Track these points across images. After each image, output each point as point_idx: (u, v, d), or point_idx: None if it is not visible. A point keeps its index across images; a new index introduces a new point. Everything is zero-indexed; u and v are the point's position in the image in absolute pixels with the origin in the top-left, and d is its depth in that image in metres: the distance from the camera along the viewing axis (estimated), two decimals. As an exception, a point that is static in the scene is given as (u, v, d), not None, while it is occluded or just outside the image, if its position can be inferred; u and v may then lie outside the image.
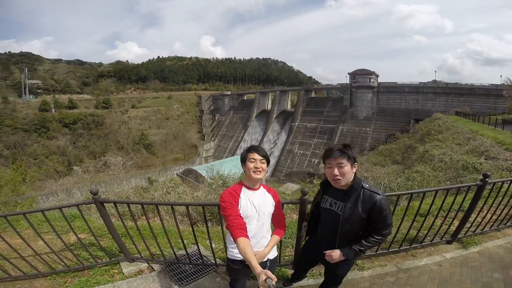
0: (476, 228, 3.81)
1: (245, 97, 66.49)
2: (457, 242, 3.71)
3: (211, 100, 70.16)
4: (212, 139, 60.73)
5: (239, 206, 1.90)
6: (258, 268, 1.51)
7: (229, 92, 71.68)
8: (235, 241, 1.75)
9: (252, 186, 2.01)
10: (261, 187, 2.09)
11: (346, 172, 1.87)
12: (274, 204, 2.10)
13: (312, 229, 2.42)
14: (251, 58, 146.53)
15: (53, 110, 57.86)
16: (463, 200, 3.43)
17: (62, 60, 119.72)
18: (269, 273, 1.44)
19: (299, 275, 2.87)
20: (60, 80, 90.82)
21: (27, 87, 75.81)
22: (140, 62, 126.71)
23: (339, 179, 1.88)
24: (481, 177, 3.17)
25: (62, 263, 3.02)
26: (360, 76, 39.74)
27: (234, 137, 55.48)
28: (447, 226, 3.65)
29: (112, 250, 3.48)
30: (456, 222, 3.69)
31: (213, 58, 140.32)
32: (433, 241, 3.62)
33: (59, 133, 52.31)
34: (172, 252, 3.17)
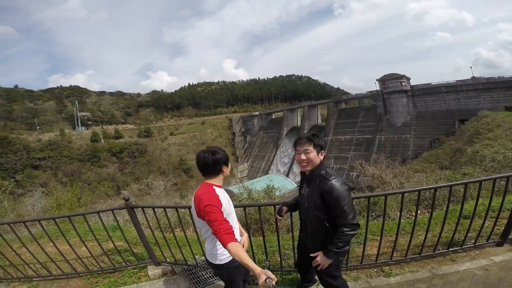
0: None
1: (273, 116, 67.37)
2: (510, 244, 3.21)
3: (241, 122, 72.36)
4: (245, 160, 61.92)
5: (222, 207, 1.86)
6: (257, 269, 1.50)
7: (257, 113, 73.41)
8: (225, 247, 1.69)
9: (221, 184, 2.06)
10: None
11: (312, 158, 2.03)
12: None
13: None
14: (274, 76, 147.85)
15: (102, 140, 65.27)
16: (504, 196, 3.01)
17: (106, 92, 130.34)
18: (269, 273, 1.44)
19: (304, 277, 2.74)
20: (105, 111, 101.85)
21: (79, 119, 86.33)
22: (172, 90, 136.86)
23: (305, 163, 2.05)
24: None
25: (98, 266, 3.43)
26: (390, 81, 37.94)
27: (266, 157, 55.94)
28: (492, 227, 3.20)
29: (143, 255, 3.79)
30: (503, 222, 3.22)
31: (239, 80, 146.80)
32: (476, 244, 3.18)
33: (108, 162, 58.78)
34: (193, 257, 3.40)
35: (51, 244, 3.31)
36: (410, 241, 3.05)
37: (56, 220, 3.22)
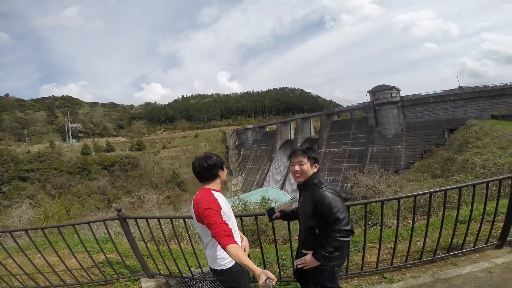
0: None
1: (267, 129, 67.76)
2: (509, 246, 3.22)
3: (235, 135, 72.43)
4: (240, 173, 61.55)
5: (221, 211, 1.87)
6: (257, 269, 1.51)
7: (251, 126, 73.72)
8: (224, 249, 1.69)
9: (219, 188, 2.06)
10: None
11: (305, 170, 2.09)
12: None
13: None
14: (268, 89, 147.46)
15: (93, 153, 63.79)
16: (497, 200, 3.07)
17: (98, 103, 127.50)
18: (269, 273, 1.45)
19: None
20: (97, 123, 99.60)
21: (70, 131, 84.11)
22: (165, 103, 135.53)
23: (299, 174, 2.11)
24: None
25: (88, 278, 3.28)
26: (381, 93, 38.94)
27: (260, 170, 55.75)
28: (489, 230, 3.22)
29: (136, 268, 3.66)
30: (500, 225, 3.25)
31: (233, 93, 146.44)
32: (476, 247, 3.19)
33: (99, 175, 57.25)
34: (188, 269, 3.29)
35: (39, 255, 3.17)
36: (409, 247, 3.05)
37: (44, 230, 3.09)
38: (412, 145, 34.24)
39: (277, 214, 2.46)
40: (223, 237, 1.69)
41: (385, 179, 12.51)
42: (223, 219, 1.82)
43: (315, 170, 2.14)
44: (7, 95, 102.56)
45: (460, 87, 37.78)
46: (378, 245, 3.07)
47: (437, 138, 31.67)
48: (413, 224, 3.02)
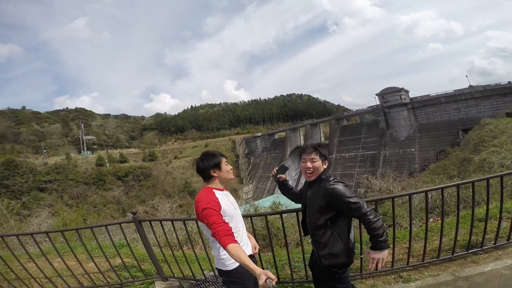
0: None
1: (276, 136, 67.63)
2: (533, 242, 3.08)
3: (244, 144, 72.69)
4: (250, 181, 61.50)
5: (221, 210, 1.86)
6: (258, 269, 1.51)
7: (259, 133, 73.84)
8: (225, 248, 1.68)
9: (223, 187, 2.05)
10: None
11: (317, 167, 2.09)
12: None
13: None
14: (275, 96, 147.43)
15: (107, 164, 65.63)
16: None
17: (110, 115, 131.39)
18: (269, 273, 1.46)
19: None
20: (110, 135, 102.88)
21: (85, 143, 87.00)
22: (175, 113, 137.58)
23: (311, 171, 2.11)
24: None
25: (105, 281, 3.39)
26: (389, 95, 38.40)
27: (270, 178, 55.27)
28: (510, 226, 3.09)
29: (150, 271, 3.73)
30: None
31: (240, 101, 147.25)
32: (497, 244, 3.06)
33: (113, 185, 58.95)
34: (201, 272, 3.36)
35: (58, 259, 3.31)
36: (425, 245, 2.96)
37: (64, 233, 3.22)
38: (425, 147, 33.32)
39: (283, 176, 2.51)
40: (223, 237, 1.69)
41: (399, 182, 12.21)
42: (223, 218, 1.81)
43: (325, 166, 2.16)
44: (23, 107, 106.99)
45: (470, 86, 36.72)
46: (392, 245, 3.01)
47: (451, 139, 30.77)
48: (426, 220, 2.96)
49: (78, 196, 53.28)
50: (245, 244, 2.06)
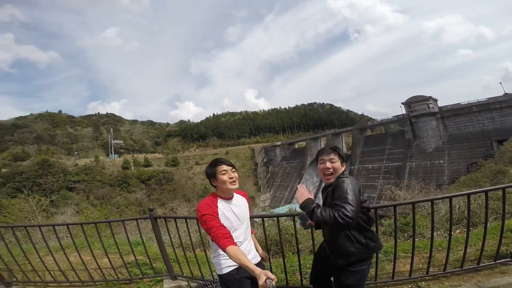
0: None
1: (296, 146, 66.93)
2: None
3: (264, 152, 72.76)
4: (268, 190, 61.07)
5: (218, 216, 1.87)
6: (257, 270, 1.51)
7: (279, 143, 73.54)
8: (224, 250, 1.70)
9: (228, 196, 2.02)
10: (234, 193, 2.08)
11: (337, 167, 2.06)
12: (247, 205, 2.16)
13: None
14: (296, 105, 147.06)
15: (132, 168, 68.64)
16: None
17: (138, 121, 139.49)
18: (269, 273, 1.46)
19: None
20: (137, 140, 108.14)
21: (113, 147, 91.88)
22: (198, 120, 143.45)
23: (330, 172, 2.06)
24: None
25: (116, 276, 3.50)
26: (416, 104, 36.56)
27: (289, 187, 54.76)
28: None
29: (161, 270, 3.78)
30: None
31: (260, 110, 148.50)
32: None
33: (137, 188, 61.40)
34: (210, 273, 3.40)
35: (75, 253, 3.48)
36: (448, 253, 2.74)
37: (83, 227, 3.41)
38: (456, 159, 31.08)
39: (311, 221, 2.33)
40: (222, 239, 1.71)
41: (425, 194, 11.46)
42: (221, 223, 1.82)
43: (343, 169, 2.12)
44: (60, 111, 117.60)
45: (506, 94, 33.86)
46: (411, 255, 2.82)
47: (485, 150, 28.43)
48: (450, 228, 2.74)
49: (103, 196, 56.00)
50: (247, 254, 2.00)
